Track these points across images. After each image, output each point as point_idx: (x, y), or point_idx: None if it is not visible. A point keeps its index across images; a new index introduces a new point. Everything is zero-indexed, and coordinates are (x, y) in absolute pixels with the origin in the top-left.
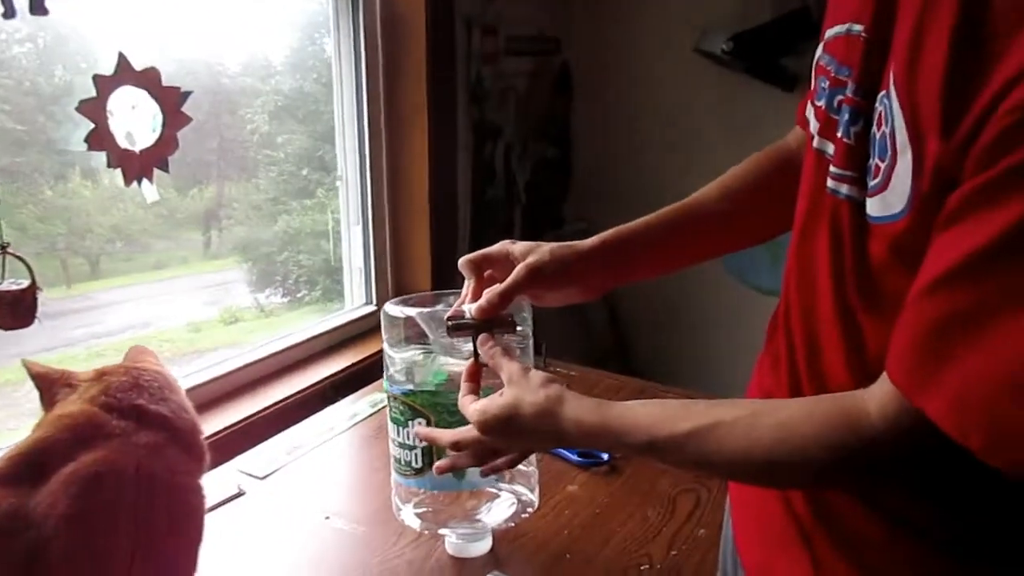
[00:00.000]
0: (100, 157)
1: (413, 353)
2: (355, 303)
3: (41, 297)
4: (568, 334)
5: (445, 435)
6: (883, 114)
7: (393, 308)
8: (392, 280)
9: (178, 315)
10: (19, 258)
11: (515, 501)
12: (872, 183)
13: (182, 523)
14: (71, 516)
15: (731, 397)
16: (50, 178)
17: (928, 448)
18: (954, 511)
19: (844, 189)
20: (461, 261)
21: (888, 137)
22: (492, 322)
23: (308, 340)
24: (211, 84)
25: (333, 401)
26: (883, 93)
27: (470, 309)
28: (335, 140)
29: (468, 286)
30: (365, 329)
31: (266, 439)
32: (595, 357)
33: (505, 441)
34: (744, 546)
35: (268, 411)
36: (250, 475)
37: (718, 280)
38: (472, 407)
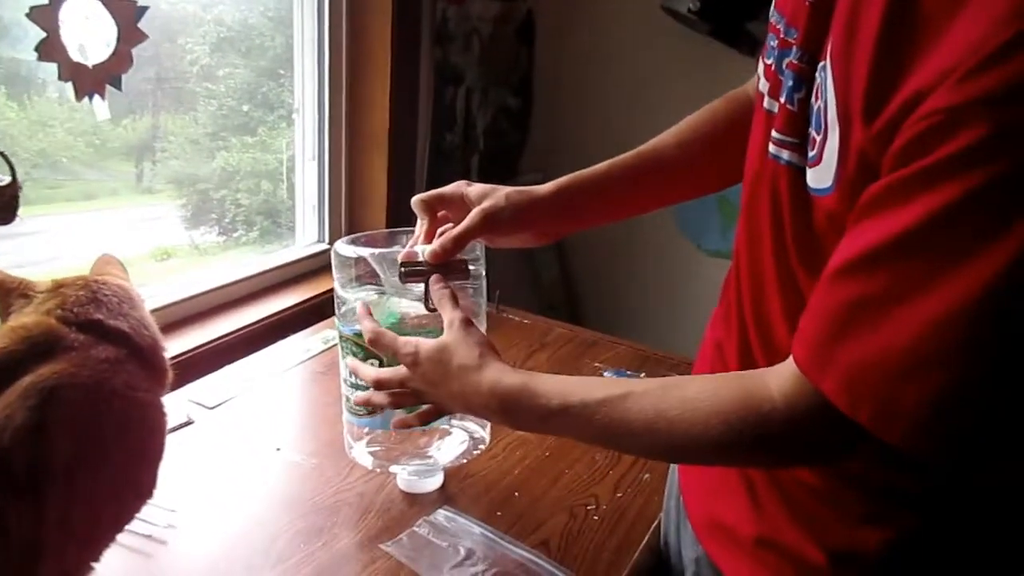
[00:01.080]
0: (29, 78)
1: (365, 294)
2: (307, 240)
3: None
4: (518, 287)
5: (370, 371)
6: (820, 87)
7: (344, 247)
8: (346, 217)
9: (107, 249)
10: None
11: (467, 438)
12: (810, 154)
13: (143, 439)
14: (29, 428)
15: (676, 353)
16: None
17: (823, 428)
18: (900, 468)
19: (785, 155)
20: (414, 200)
21: (822, 112)
22: (445, 267)
23: (258, 275)
24: (149, 8)
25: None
26: (822, 64)
27: (423, 251)
28: (292, 71)
29: (421, 226)
30: (317, 266)
31: (215, 371)
32: (544, 311)
33: (426, 383)
34: (689, 492)
35: (217, 343)
36: (200, 404)
37: (670, 239)
38: (405, 339)
